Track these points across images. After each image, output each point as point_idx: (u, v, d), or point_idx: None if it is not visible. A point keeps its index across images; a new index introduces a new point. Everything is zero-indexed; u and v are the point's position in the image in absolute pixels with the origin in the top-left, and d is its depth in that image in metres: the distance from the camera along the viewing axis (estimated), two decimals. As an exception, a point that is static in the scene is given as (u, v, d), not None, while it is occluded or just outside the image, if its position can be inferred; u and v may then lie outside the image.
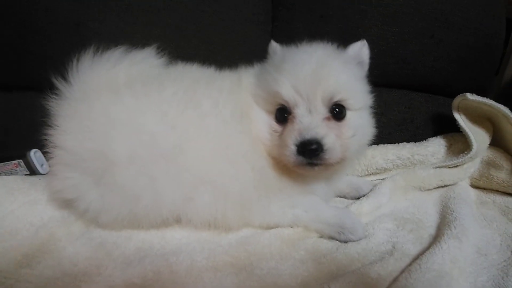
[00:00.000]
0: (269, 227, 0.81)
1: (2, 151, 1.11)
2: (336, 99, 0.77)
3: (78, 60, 0.84)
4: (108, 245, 0.74)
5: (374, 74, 0.94)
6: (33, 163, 1.02)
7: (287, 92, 0.76)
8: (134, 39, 1.05)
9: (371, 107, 0.87)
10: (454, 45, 1.10)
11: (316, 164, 0.75)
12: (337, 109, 0.78)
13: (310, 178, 0.84)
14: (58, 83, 0.83)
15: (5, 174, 1.04)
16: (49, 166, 0.84)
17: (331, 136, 0.74)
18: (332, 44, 0.85)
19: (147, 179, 0.74)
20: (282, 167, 0.80)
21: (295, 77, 0.76)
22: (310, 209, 0.81)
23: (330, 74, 0.76)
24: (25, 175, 1.03)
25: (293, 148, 0.74)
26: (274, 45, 0.91)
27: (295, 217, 0.81)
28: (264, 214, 0.80)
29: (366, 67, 0.90)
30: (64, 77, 0.84)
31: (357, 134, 0.80)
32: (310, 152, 0.73)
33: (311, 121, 0.75)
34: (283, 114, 0.79)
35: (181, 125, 0.77)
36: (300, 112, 0.76)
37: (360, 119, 0.82)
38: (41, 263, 0.68)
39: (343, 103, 0.79)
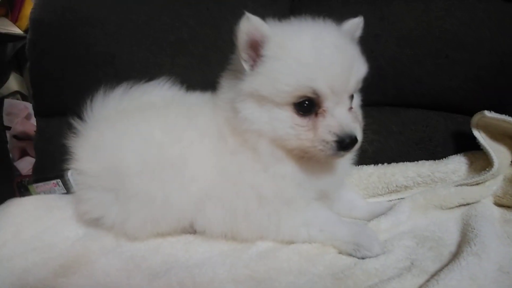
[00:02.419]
0: (284, 242, 0.82)
1: (42, 172, 1.21)
2: (357, 89, 0.80)
3: (91, 100, 0.93)
4: (137, 258, 0.79)
5: (391, 95, 0.96)
6: (70, 182, 1.09)
7: (322, 87, 0.72)
8: (162, 68, 1.15)
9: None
10: (468, 65, 1.10)
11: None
12: (351, 96, 0.80)
13: (315, 176, 0.83)
14: (76, 123, 0.92)
15: (45, 193, 1.13)
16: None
17: (359, 127, 0.77)
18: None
19: (158, 183, 0.80)
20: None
21: (328, 73, 0.73)
22: (325, 228, 0.82)
23: (359, 69, 0.78)
24: (63, 193, 1.11)
25: (333, 145, 0.74)
26: (255, 22, 0.72)
27: (310, 237, 0.81)
28: (277, 231, 0.81)
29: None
30: (81, 117, 0.93)
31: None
32: (348, 146, 0.74)
33: (345, 116, 0.75)
34: (308, 107, 0.75)
35: (186, 139, 0.82)
36: (331, 106, 0.74)
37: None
38: (76, 273, 0.74)
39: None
